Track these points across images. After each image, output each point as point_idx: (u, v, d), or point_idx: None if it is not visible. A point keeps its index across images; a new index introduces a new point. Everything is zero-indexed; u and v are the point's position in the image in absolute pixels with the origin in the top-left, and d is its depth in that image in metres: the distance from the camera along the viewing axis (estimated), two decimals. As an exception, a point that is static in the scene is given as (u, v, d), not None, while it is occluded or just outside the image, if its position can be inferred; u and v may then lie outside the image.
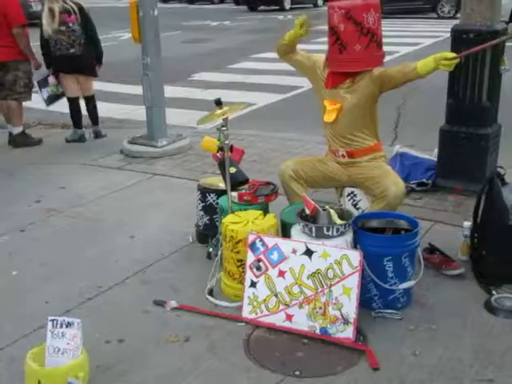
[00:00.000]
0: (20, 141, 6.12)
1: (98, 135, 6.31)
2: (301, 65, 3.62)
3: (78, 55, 5.84)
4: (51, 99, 6.17)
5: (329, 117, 3.45)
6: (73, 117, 6.22)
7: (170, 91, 7.29)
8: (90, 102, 6.22)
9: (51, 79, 6.07)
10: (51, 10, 5.74)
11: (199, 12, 25.00)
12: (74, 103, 6.16)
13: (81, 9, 5.82)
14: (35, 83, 6.04)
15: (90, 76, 6.10)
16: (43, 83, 6.06)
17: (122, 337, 2.83)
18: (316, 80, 3.55)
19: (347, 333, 2.73)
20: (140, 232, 3.99)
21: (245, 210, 3.30)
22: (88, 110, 6.26)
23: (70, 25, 5.76)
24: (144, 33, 5.59)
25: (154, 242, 3.83)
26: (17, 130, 6.14)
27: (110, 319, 2.99)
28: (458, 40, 4.15)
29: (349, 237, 2.93)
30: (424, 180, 4.46)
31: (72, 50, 5.81)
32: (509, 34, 3.95)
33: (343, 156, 3.51)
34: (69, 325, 2.41)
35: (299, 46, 3.60)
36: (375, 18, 3.24)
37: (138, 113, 6.69)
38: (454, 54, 3.20)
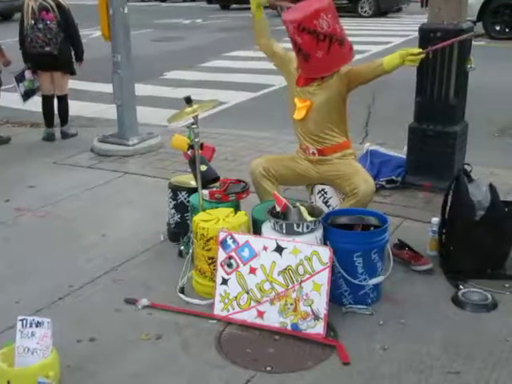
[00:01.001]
0: None
1: (64, 136, 6.21)
2: (279, 59, 3.66)
3: (54, 53, 5.76)
4: (27, 94, 6.09)
5: (298, 114, 3.48)
6: (45, 115, 6.14)
7: (141, 89, 7.27)
8: (62, 100, 6.14)
9: (27, 74, 5.99)
10: (29, 7, 5.67)
11: (171, 10, 24.85)
12: (48, 101, 6.09)
13: (59, 6, 5.74)
14: (13, 78, 5.96)
15: (65, 74, 6.03)
16: (20, 78, 5.98)
17: (93, 336, 2.81)
18: (289, 77, 3.58)
19: (318, 328, 2.76)
20: (111, 231, 3.97)
21: (216, 207, 3.31)
22: (58, 108, 6.19)
23: (48, 22, 5.67)
24: (114, 31, 5.55)
25: (125, 240, 3.81)
26: None
27: (82, 318, 2.98)
28: (426, 38, 4.21)
29: (319, 233, 2.96)
30: (393, 177, 4.51)
31: (47, 48, 5.72)
32: (474, 32, 4.03)
33: (313, 154, 3.55)
34: (39, 324, 2.39)
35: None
36: (329, 20, 3.24)
37: (109, 111, 6.65)
38: (419, 50, 3.27)
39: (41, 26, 5.66)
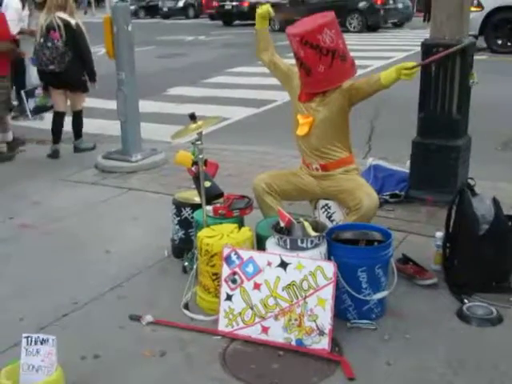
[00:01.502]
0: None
1: (76, 150, 6.30)
2: (282, 74, 3.68)
3: (56, 71, 5.82)
4: (36, 110, 6.25)
5: (301, 130, 3.49)
6: (52, 131, 6.19)
7: (144, 106, 7.29)
8: (74, 116, 6.24)
9: (38, 91, 6.13)
10: (39, 25, 5.81)
11: (174, 27, 25.07)
12: (56, 118, 6.16)
13: (67, 26, 5.76)
14: (22, 93, 6.11)
15: (75, 92, 6.09)
16: (30, 94, 6.11)
17: (97, 352, 2.81)
18: (292, 93, 3.61)
19: (322, 344, 2.75)
20: (115, 247, 3.98)
21: (220, 223, 3.32)
22: (72, 123, 6.28)
23: (55, 41, 5.74)
24: (118, 48, 5.60)
25: (129, 256, 3.82)
26: None
27: (86, 335, 2.97)
28: (428, 53, 4.22)
29: (323, 248, 2.96)
30: (397, 192, 4.52)
31: (51, 67, 5.80)
32: (464, 44, 4.04)
33: (317, 169, 3.55)
34: (43, 342, 2.39)
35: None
36: (332, 35, 3.27)
37: (113, 128, 6.68)
38: (413, 63, 3.29)
39: (49, 44, 5.75)
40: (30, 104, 6.15)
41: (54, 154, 6.17)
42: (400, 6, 21.58)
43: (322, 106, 3.44)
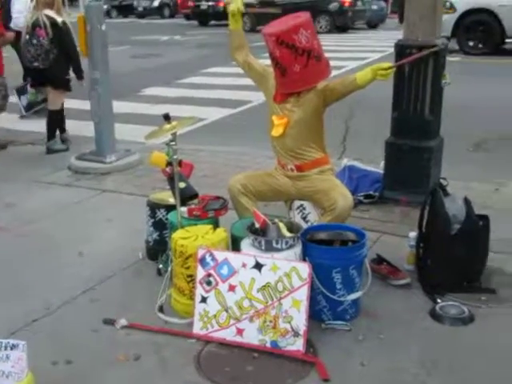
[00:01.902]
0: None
1: (49, 151, 6.22)
2: (257, 74, 3.67)
3: (42, 69, 5.87)
4: (29, 106, 6.38)
5: (276, 131, 3.50)
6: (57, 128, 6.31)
7: (119, 106, 7.23)
8: (51, 115, 6.20)
9: (29, 87, 6.25)
10: (26, 23, 5.89)
11: (149, 27, 24.93)
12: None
13: (53, 23, 5.79)
14: (14, 91, 6.22)
15: (56, 90, 6.10)
16: (22, 91, 6.25)
17: (70, 358, 2.77)
18: (267, 93, 3.60)
19: (297, 345, 2.75)
20: (89, 249, 3.93)
21: (195, 224, 3.30)
22: (47, 123, 6.24)
23: (40, 39, 5.78)
24: (92, 47, 5.53)
25: (103, 259, 3.78)
26: None
27: (58, 340, 2.93)
28: (401, 54, 4.26)
29: (298, 249, 2.96)
30: (371, 192, 4.55)
31: (35, 64, 5.85)
32: (438, 46, 4.09)
33: (292, 170, 3.56)
34: (13, 347, 2.35)
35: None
36: (308, 35, 3.28)
37: (87, 128, 6.61)
38: (389, 64, 3.33)
39: (34, 41, 5.79)
40: (23, 101, 6.27)
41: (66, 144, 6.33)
42: (375, 7, 21.83)
43: (296, 107, 3.45)
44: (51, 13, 5.83)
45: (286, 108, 3.48)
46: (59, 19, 5.84)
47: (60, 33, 5.81)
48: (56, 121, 6.27)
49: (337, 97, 3.44)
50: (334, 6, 19.52)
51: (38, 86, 6.25)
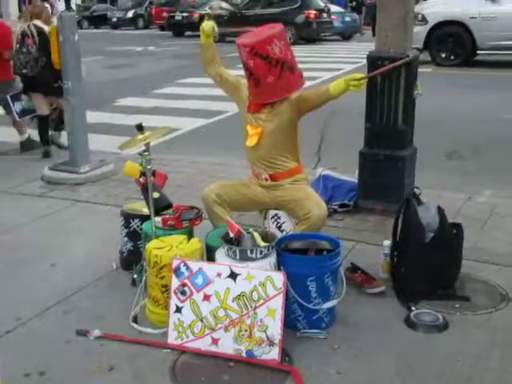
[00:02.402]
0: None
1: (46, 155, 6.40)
2: (229, 86, 3.68)
3: (31, 76, 6.15)
4: (23, 112, 6.56)
5: (251, 141, 3.50)
6: (40, 135, 6.46)
7: (94, 116, 7.20)
8: (40, 121, 6.46)
9: (23, 95, 6.48)
10: (15, 33, 6.18)
11: (123, 37, 24.86)
12: (41, 121, 6.47)
13: (40, 33, 6.07)
14: (7, 97, 6.40)
15: (45, 96, 6.35)
16: (16, 97, 6.46)
17: (43, 369, 2.73)
18: (241, 104, 3.61)
19: (273, 354, 2.75)
20: (62, 260, 3.88)
21: (169, 234, 3.29)
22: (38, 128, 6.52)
23: (29, 47, 6.07)
24: (64, 58, 5.49)
25: (76, 269, 3.73)
26: None
27: (31, 351, 2.89)
28: (374, 66, 4.30)
29: (272, 258, 2.96)
30: (346, 201, 4.57)
31: (24, 71, 6.16)
32: (410, 57, 4.16)
33: (266, 179, 3.57)
34: (-15, 359, 2.31)
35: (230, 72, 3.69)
36: (281, 46, 3.31)
37: (62, 139, 6.57)
38: (362, 75, 3.37)
39: (24, 49, 6.10)
40: (17, 107, 6.49)
41: (46, 155, 6.38)
42: (348, 19, 22.10)
43: (270, 117, 3.46)
44: (39, 22, 6.12)
45: (260, 118, 3.49)
46: (46, 28, 6.04)
47: (47, 42, 5.89)
48: (46, 125, 6.49)
49: (310, 107, 3.46)
50: (300, 18, 19.84)
51: (29, 93, 6.40)
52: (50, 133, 6.60)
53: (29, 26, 6.08)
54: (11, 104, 6.45)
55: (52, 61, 5.65)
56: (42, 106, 6.39)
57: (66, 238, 4.25)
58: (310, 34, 20.36)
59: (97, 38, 22.85)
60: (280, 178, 3.53)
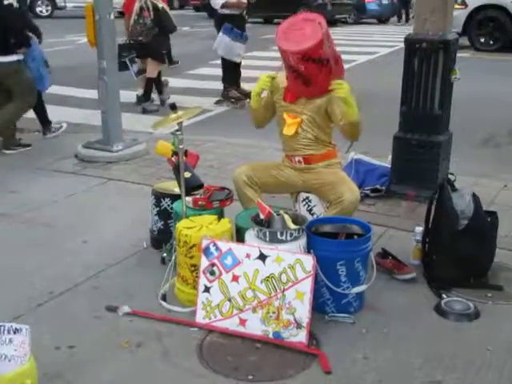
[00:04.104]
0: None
1: (144, 111, 7.64)
2: (272, 101, 3.57)
3: (144, 42, 7.59)
4: (139, 72, 8.03)
5: (289, 130, 3.45)
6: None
7: (126, 96, 7.23)
8: (148, 82, 7.88)
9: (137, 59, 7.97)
10: (135, 7, 7.56)
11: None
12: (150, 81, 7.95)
13: (155, 8, 7.54)
14: (126, 60, 7.71)
15: (153, 61, 7.77)
16: (133, 60, 7.84)
17: (72, 343, 2.77)
18: (278, 95, 3.53)
19: (300, 337, 2.74)
20: (93, 237, 3.93)
21: (199, 215, 3.29)
22: (144, 88, 7.93)
23: (145, 19, 7.52)
24: (100, 37, 5.52)
25: (107, 247, 3.77)
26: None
27: (61, 325, 2.93)
28: (411, 49, 4.25)
29: (302, 241, 2.94)
30: (378, 186, 4.52)
31: (139, 38, 7.60)
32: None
33: (299, 162, 3.53)
34: (16, 331, 2.34)
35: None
36: (329, 44, 3.24)
37: (95, 117, 6.61)
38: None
39: (141, 21, 7.54)
40: (134, 68, 7.90)
41: (162, 103, 8.01)
42: (385, 1, 21.70)
43: (308, 108, 3.42)
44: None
45: (298, 107, 3.44)
46: (160, 5, 7.62)
47: (160, 15, 7.55)
48: (151, 86, 7.88)
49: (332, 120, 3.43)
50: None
51: (140, 58, 7.89)
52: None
53: (146, 1, 7.46)
54: (130, 65, 7.77)
55: (88, 41, 5.69)
56: (151, 69, 7.79)
57: (98, 216, 4.29)
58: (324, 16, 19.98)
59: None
60: (314, 161, 3.50)
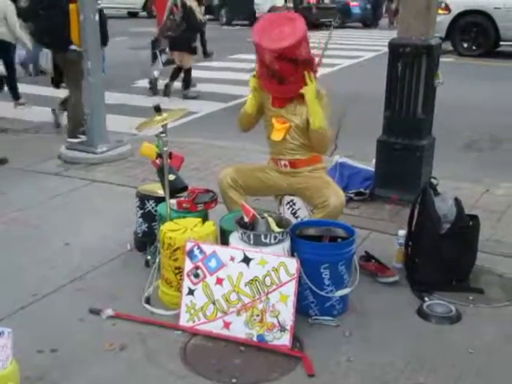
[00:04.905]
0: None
1: (185, 97, 8.68)
2: (260, 104, 3.57)
3: (174, 36, 8.54)
4: (167, 62, 8.95)
5: (277, 135, 3.46)
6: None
7: (112, 97, 7.21)
8: (186, 72, 8.82)
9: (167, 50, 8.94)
10: (168, 4, 8.59)
11: (149, 20, 24.74)
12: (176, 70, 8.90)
13: (183, 5, 8.40)
14: (156, 51, 8.98)
15: (183, 53, 8.61)
16: (162, 51, 8.95)
17: (55, 346, 2.76)
18: (265, 98, 3.55)
19: (284, 340, 2.75)
20: (77, 239, 3.90)
21: (184, 217, 3.29)
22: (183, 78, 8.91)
23: (175, 15, 8.43)
24: (85, 37, 5.49)
25: (91, 249, 3.75)
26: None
27: (44, 328, 2.92)
28: (395, 53, 4.28)
29: (286, 244, 2.95)
30: (362, 190, 4.55)
31: (169, 33, 8.58)
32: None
33: (285, 166, 3.54)
34: (-2, 334, 2.33)
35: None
36: (307, 45, 3.27)
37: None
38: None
39: (171, 17, 8.46)
40: (163, 58, 8.91)
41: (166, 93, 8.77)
42: (369, 6, 21.82)
43: (294, 114, 3.44)
44: None
45: (287, 113, 3.45)
46: (188, 2, 8.46)
47: (187, 12, 8.41)
48: (190, 75, 8.81)
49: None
50: (297, 0, 18.88)
51: (170, 51, 8.80)
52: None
53: None
54: (159, 56, 8.86)
55: (72, 40, 5.66)
56: (178, 60, 8.67)
57: (81, 218, 4.27)
58: (308, 19, 19.97)
59: (122, 19, 22.77)
60: (300, 165, 3.51)
